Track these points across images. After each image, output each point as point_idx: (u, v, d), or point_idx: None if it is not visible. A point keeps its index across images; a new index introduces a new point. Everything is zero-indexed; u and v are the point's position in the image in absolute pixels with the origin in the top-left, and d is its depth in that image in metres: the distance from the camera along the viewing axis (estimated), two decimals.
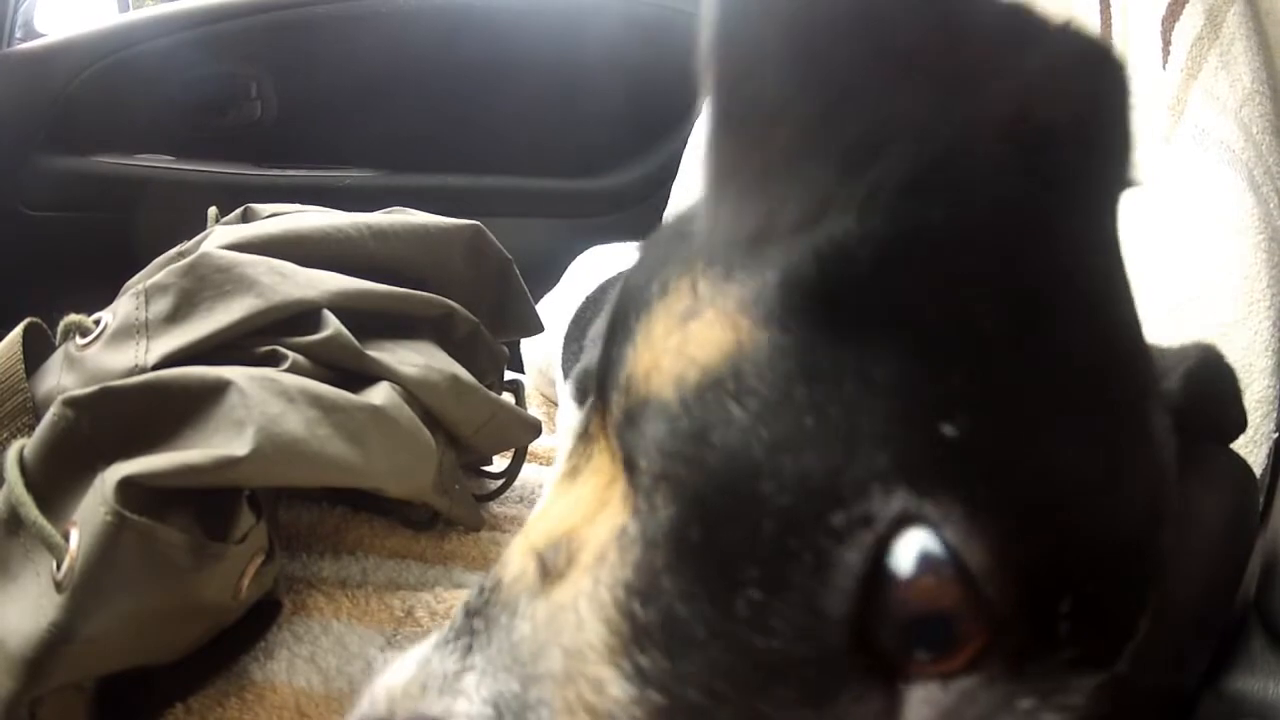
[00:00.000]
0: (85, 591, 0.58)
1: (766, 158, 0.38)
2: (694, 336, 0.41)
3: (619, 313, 0.48)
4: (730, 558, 0.37)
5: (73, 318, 0.76)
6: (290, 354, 0.72)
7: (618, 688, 0.37)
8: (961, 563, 0.34)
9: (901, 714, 0.35)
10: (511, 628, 0.43)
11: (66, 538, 0.59)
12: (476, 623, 0.44)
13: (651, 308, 0.45)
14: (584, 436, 0.51)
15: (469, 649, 0.43)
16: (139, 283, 0.77)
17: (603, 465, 0.46)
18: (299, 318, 0.75)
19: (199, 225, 0.92)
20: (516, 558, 0.46)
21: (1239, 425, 0.66)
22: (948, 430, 0.35)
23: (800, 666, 0.35)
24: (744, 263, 0.41)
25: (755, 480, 0.36)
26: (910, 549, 0.34)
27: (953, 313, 0.37)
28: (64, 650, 0.57)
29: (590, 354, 1.08)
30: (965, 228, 0.39)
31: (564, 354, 1.32)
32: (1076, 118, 0.40)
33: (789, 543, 0.35)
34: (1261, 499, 0.82)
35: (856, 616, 0.34)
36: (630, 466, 0.42)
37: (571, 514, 0.46)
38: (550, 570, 0.43)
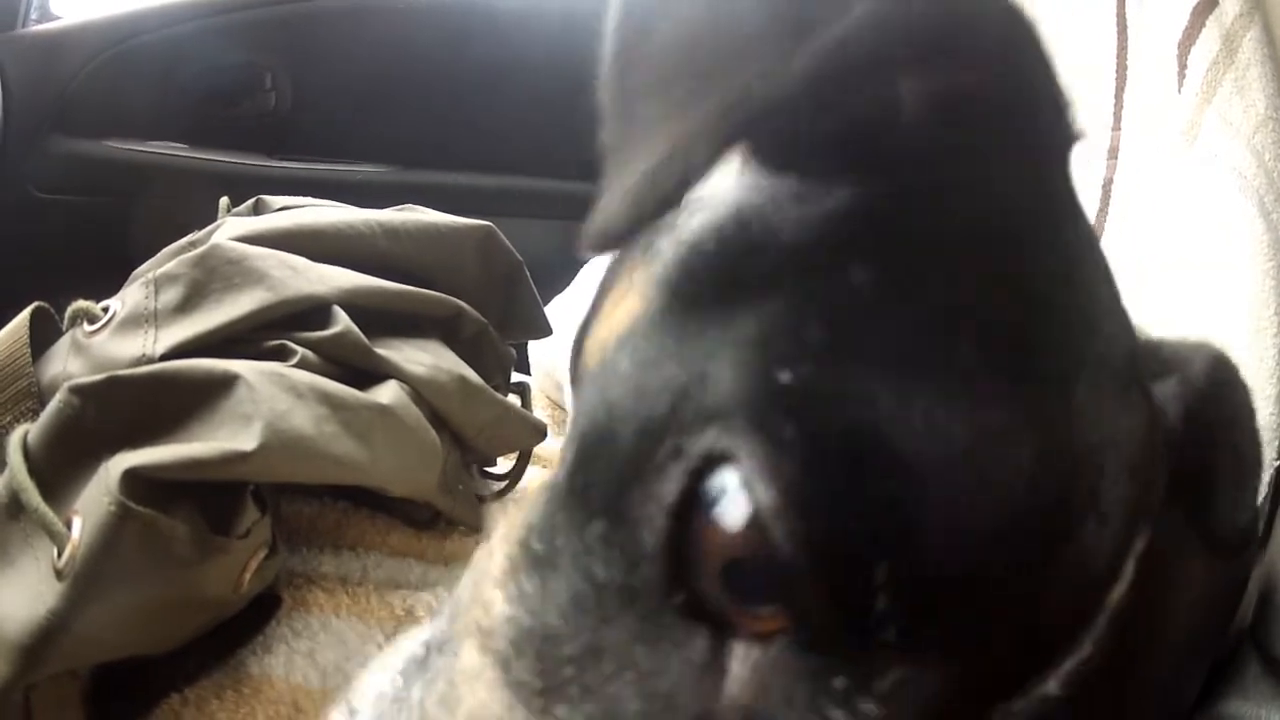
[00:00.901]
0: (86, 580, 0.58)
1: (653, 140, 0.38)
2: (620, 311, 0.44)
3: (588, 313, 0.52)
4: (591, 493, 0.39)
5: (80, 304, 0.76)
6: (299, 349, 0.71)
7: (500, 607, 0.40)
8: (755, 501, 0.33)
9: (726, 667, 0.35)
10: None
11: (68, 525, 0.59)
12: None
13: (603, 300, 0.49)
14: None
15: None
16: (149, 271, 0.77)
17: None
18: (308, 313, 0.75)
19: (209, 214, 0.92)
20: None
21: (1248, 461, 0.58)
22: (784, 377, 0.35)
23: (631, 600, 0.36)
24: (660, 243, 0.44)
25: (620, 422, 0.38)
26: (716, 485, 0.35)
27: (832, 274, 0.38)
28: (61, 638, 0.57)
29: None
30: (864, 200, 0.39)
31: (572, 357, 1.31)
32: (992, 79, 0.40)
33: (629, 478, 0.37)
34: (1260, 527, 0.82)
35: (669, 550, 0.35)
36: None
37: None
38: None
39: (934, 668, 0.34)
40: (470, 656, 0.41)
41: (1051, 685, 0.39)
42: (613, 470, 0.38)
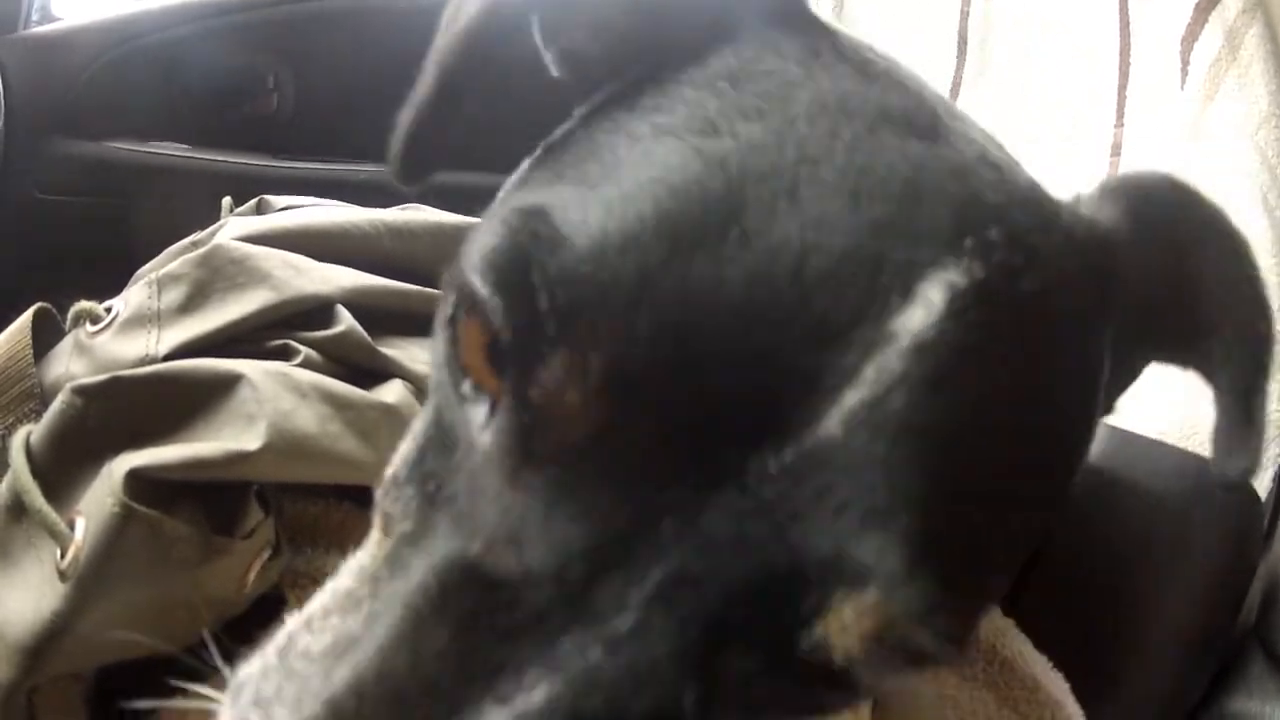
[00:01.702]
0: (89, 582, 0.58)
1: None
2: None
3: None
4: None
5: (83, 305, 0.76)
6: (303, 349, 0.71)
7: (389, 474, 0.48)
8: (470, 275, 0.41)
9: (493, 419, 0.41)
10: None
11: (71, 526, 0.59)
12: None
13: None
14: None
15: None
16: (152, 272, 0.77)
17: None
18: (312, 312, 0.75)
19: (212, 215, 0.92)
20: None
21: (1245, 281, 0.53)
22: (500, 205, 0.47)
23: (445, 405, 0.44)
24: None
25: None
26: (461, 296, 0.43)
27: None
28: (64, 639, 0.58)
29: None
30: None
31: None
32: None
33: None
34: (1265, 524, 0.82)
35: (452, 354, 0.43)
36: None
37: None
38: None
39: (595, 356, 0.37)
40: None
41: (831, 425, 0.37)
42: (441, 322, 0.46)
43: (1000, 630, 0.79)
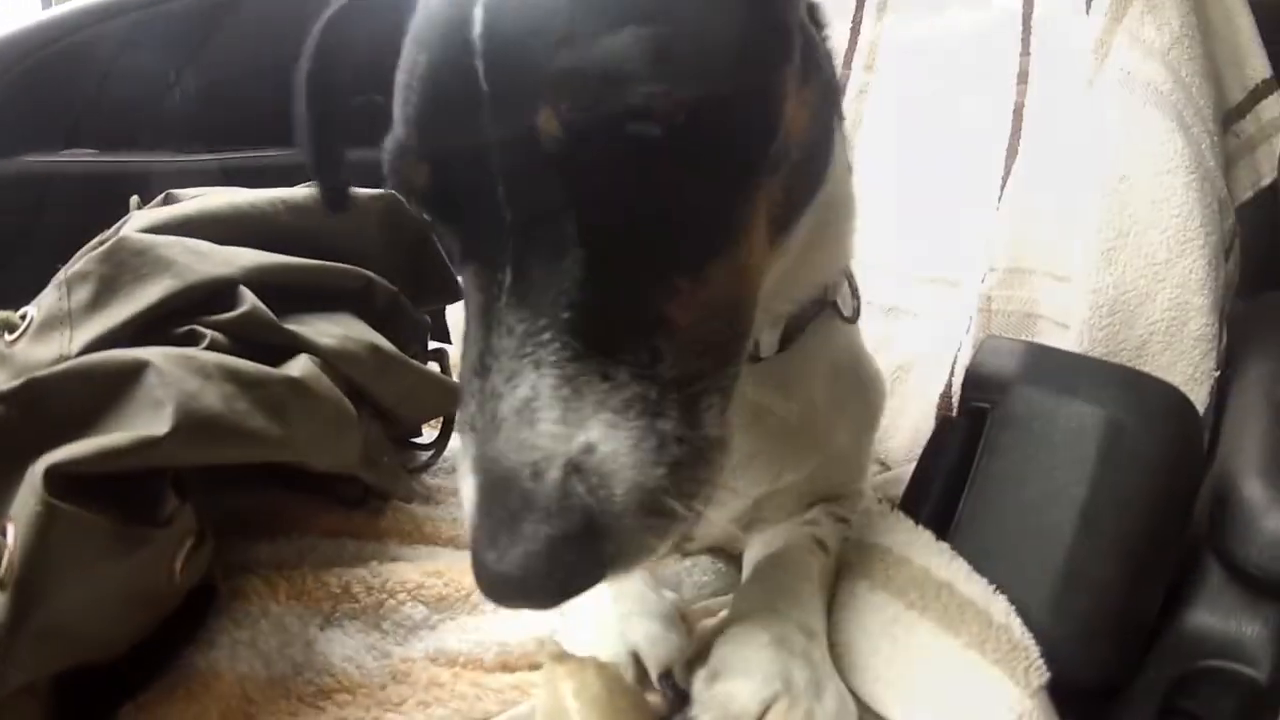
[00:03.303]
0: (26, 586, 0.57)
1: None
2: None
3: None
4: None
5: None
6: (208, 332, 0.72)
7: None
8: None
9: None
10: None
11: (3, 533, 0.59)
12: None
13: None
14: None
15: None
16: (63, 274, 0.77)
17: None
18: (216, 296, 0.75)
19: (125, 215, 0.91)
20: None
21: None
22: None
23: None
24: None
25: None
26: None
27: None
28: (11, 648, 0.57)
29: None
30: None
31: None
32: None
33: None
34: (1206, 436, 0.83)
35: None
36: None
37: None
38: None
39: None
40: None
41: None
42: None
43: (936, 553, 0.79)
